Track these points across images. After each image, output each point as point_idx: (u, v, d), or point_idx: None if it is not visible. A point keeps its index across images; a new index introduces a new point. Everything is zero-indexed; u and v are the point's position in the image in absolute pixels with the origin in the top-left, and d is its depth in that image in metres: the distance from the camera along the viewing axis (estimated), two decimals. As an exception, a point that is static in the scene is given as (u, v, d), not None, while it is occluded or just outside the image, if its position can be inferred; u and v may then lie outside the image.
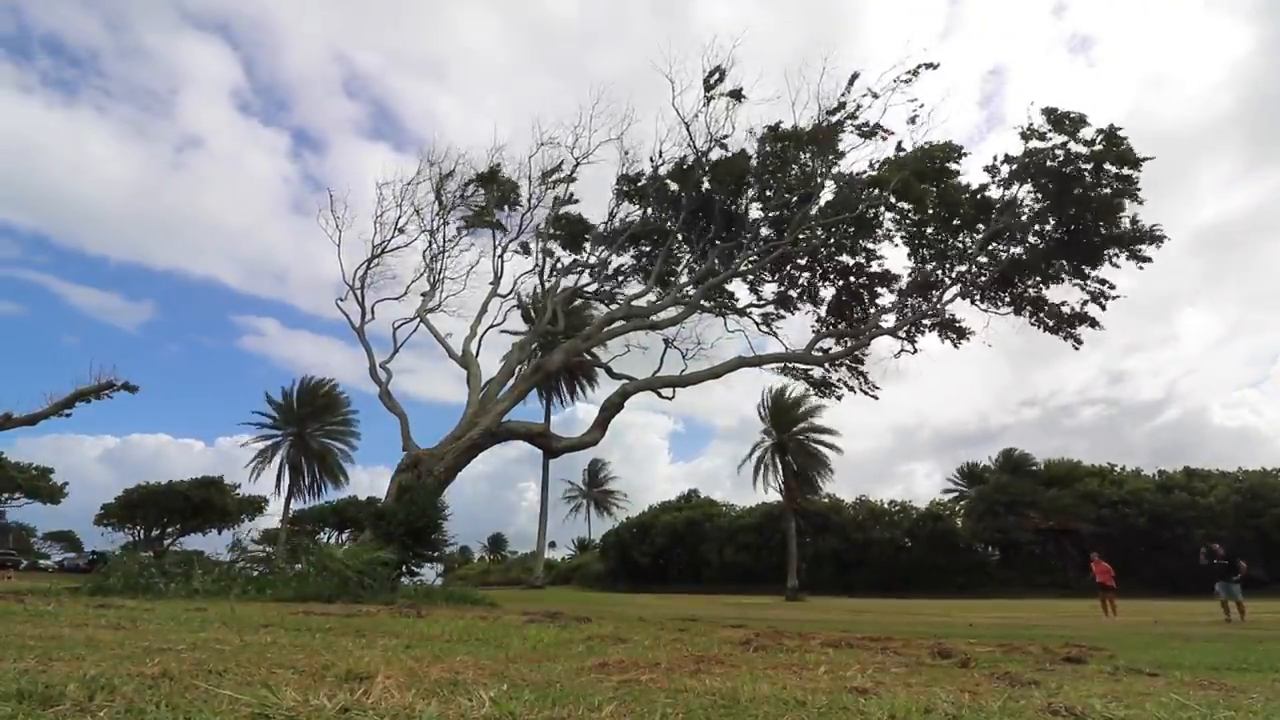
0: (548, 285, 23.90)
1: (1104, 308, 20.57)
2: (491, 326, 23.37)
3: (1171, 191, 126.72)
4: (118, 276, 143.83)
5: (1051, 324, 21.41)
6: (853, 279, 23.25)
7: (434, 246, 23.65)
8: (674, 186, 23.19)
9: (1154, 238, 19.59)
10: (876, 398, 23.19)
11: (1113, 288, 20.40)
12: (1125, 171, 19.13)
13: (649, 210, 23.75)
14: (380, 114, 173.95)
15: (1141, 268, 19.84)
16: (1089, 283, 20.55)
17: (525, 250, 24.66)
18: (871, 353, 23.22)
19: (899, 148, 21.14)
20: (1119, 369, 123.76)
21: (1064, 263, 20.55)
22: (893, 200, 21.25)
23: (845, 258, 22.96)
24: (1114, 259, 20.08)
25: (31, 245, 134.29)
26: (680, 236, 23.65)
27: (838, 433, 46.85)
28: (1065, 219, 20.18)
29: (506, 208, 24.55)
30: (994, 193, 20.89)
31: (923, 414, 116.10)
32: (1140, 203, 19.40)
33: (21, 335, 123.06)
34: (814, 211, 21.75)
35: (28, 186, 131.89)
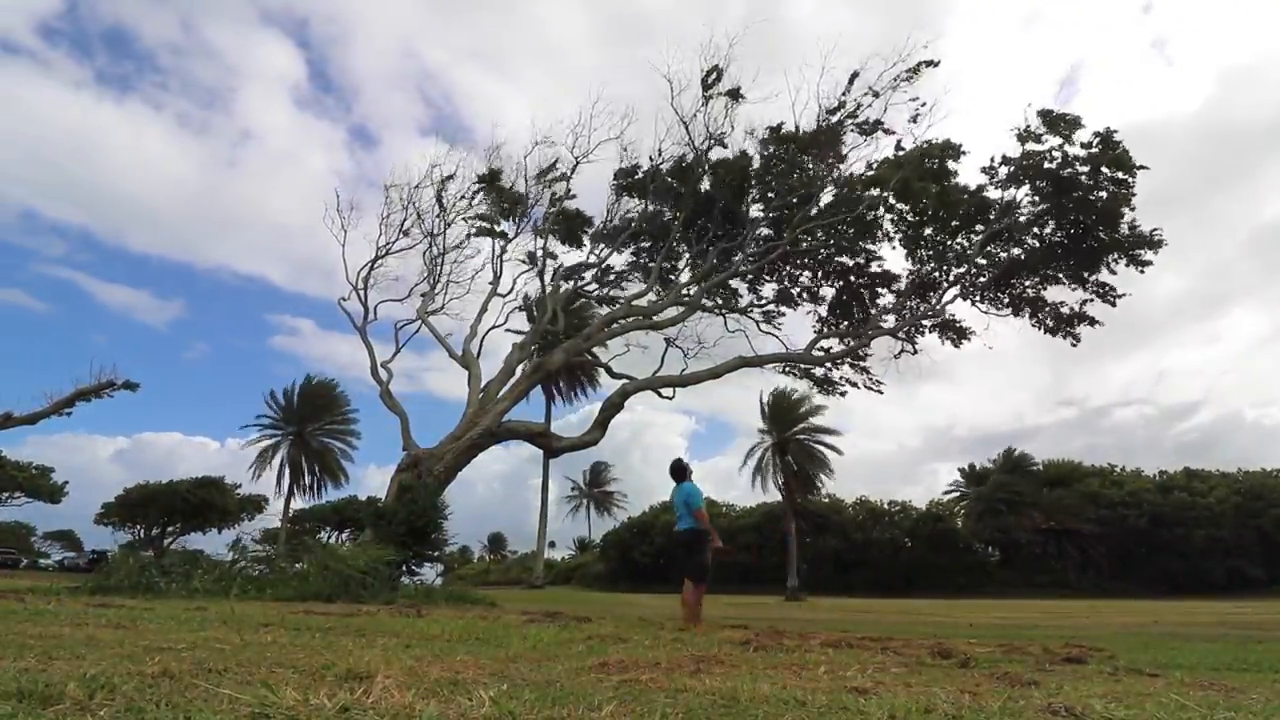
0: (548, 285, 23.91)
1: (1114, 304, 20.52)
2: (494, 328, 23.42)
3: (1235, 189, 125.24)
4: (156, 274, 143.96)
5: (1051, 324, 21.40)
6: (853, 279, 23.25)
7: (435, 249, 23.68)
8: (673, 182, 23.16)
9: (1153, 243, 19.54)
10: (881, 392, 23.25)
11: (1113, 290, 20.35)
12: (1121, 176, 19.11)
13: (649, 205, 23.71)
14: (451, 114, 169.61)
15: (1143, 271, 19.82)
16: (1089, 287, 20.52)
17: (531, 261, 24.60)
18: (873, 352, 23.27)
19: (898, 146, 21.14)
20: (1162, 369, 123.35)
21: (1064, 265, 20.54)
22: (892, 201, 21.24)
23: (845, 258, 22.97)
24: (1112, 264, 20.05)
25: (78, 242, 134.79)
26: (680, 235, 23.63)
27: (838, 433, 46.94)
28: (1065, 222, 20.16)
29: (510, 213, 24.48)
30: (993, 194, 20.89)
31: (957, 414, 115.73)
32: (1133, 209, 19.41)
33: (54, 333, 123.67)
34: (814, 212, 21.74)
35: (81, 184, 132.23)
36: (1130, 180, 19.12)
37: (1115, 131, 18.95)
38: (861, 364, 23.10)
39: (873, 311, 23.23)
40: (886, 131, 21.10)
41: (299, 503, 51.48)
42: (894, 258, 23.85)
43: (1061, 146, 19.45)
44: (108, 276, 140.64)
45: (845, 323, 23.62)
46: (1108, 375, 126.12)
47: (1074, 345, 21.39)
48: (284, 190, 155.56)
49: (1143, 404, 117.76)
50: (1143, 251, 19.67)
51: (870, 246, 22.44)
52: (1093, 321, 20.91)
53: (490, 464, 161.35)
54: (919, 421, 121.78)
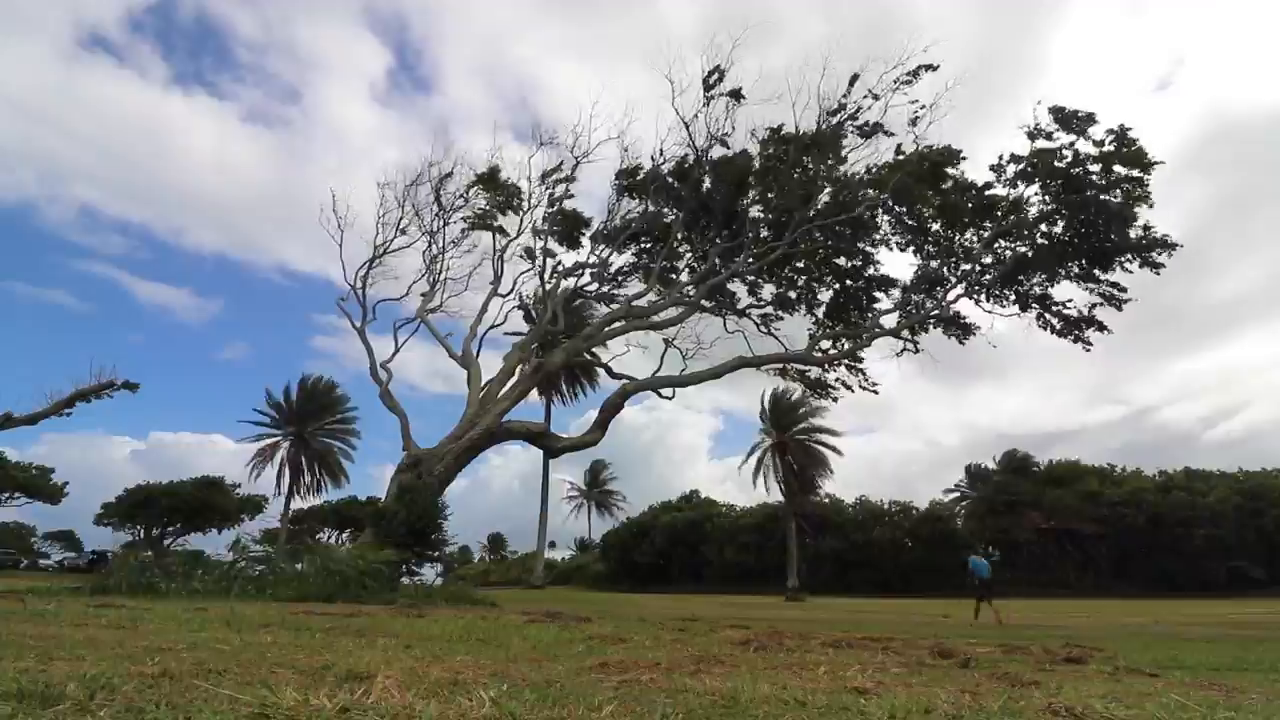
0: (548, 285, 23.90)
1: (1120, 309, 20.44)
2: (493, 327, 23.42)
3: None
4: (206, 272, 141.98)
5: (1059, 326, 21.27)
6: (850, 281, 23.24)
7: (434, 248, 23.69)
8: (674, 183, 23.14)
9: (1166, 245, 19.41)
10: (877, 393, 23.25)
11: (1124, 290, 20.21)
12: (1135, 174, 18.93)
13: (649, 206, 23.68)
14: (538, 112, 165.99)
15: (1158, 273, 19.69)
16: (1100, 286, 20.40)
17: (529, 255, 24.57)
18: (869, 359, 23.26)
19: (898, 150, 21.09)
20: (1220, 367, 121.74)
21: (1074, 265, 20.44)
22: (890, 203, 21.17)
23: (843, 260, 22.95)
24: (1125, 265, 19.95)
25: (136, 240, 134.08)
26: (681, 235, 23.62)
27: (838, 433, 46.86)
28: (1075, 221, 20.05)
29: (509, 211, 24.49)
30: (1000, 191, 20.80)
31: (998, 413, 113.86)
32: (1151, 206, 19.22)
33: (91, 332, 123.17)
34: (812, 214, 21.72)
35: (150, 180, 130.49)
36: (1146, 178, 18.93)
37: (1130, 129, 18.86)
38: (858, 365, 23.08)
39: (870, 315, 23.20)
40: (887, 133, 21.10)
41: (299, 503, 51.47)
42: (891, 260, 23.88)
43: (1074, 144, 19.31)
44: (154, 275, 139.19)
45: (842, 325, 23.59)
46: (1166, 374, 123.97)
47: (1086, 350, 21.22)
48: (357, 188, 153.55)
49: (1192, 402, 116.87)
50: (1155, 253, 19.53)
51: (868, 249, 22.42)
52: (1101, 326, 20.79)
53: (508, 463, 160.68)
54: (958, 420, 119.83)
